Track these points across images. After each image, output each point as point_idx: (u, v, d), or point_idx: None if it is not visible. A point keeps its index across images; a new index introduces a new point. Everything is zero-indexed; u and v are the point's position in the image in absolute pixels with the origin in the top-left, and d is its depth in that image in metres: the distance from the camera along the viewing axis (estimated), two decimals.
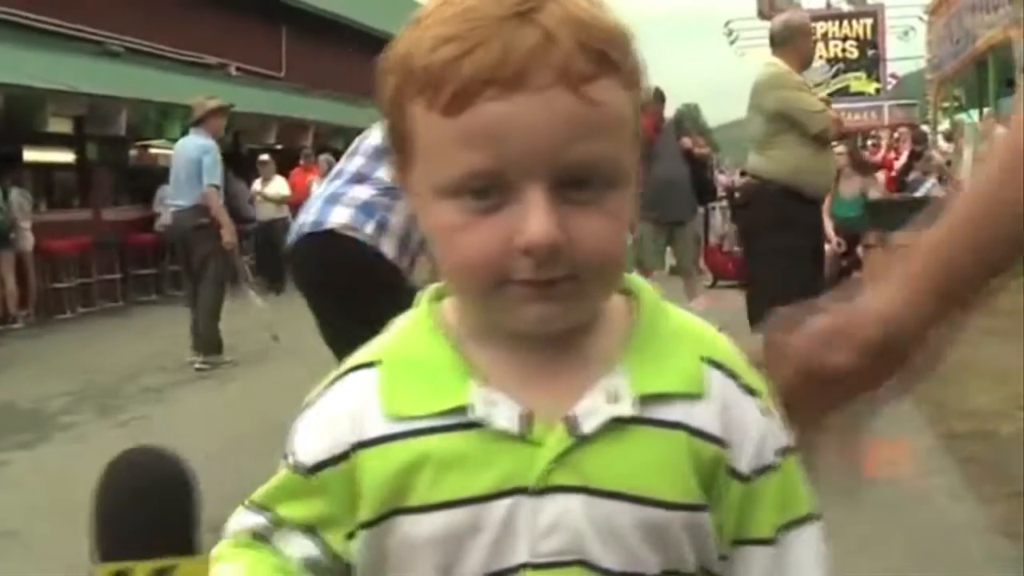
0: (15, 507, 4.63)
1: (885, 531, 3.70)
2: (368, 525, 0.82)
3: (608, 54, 0.74)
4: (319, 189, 4.44)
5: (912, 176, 12.00)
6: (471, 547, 0.78)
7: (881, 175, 11.25)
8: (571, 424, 0.78)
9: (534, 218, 0.73)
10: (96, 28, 14.62)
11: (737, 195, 7.19)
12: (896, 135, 15.83)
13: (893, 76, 25.18)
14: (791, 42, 5.45)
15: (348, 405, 0.83)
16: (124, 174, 15.30)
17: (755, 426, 0.83)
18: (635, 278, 0.88)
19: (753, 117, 5.54)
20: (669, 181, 8.31)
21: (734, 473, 0.82)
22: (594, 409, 0.78)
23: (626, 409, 0.79)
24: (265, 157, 14.30)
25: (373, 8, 22.24)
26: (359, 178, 4.21)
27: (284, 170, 14.56)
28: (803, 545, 0.84)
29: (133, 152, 16.12)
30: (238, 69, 18.06)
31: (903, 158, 13.55)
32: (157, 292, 14.13)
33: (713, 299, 8.92)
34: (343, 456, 0.82)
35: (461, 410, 0.78)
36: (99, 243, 12.77)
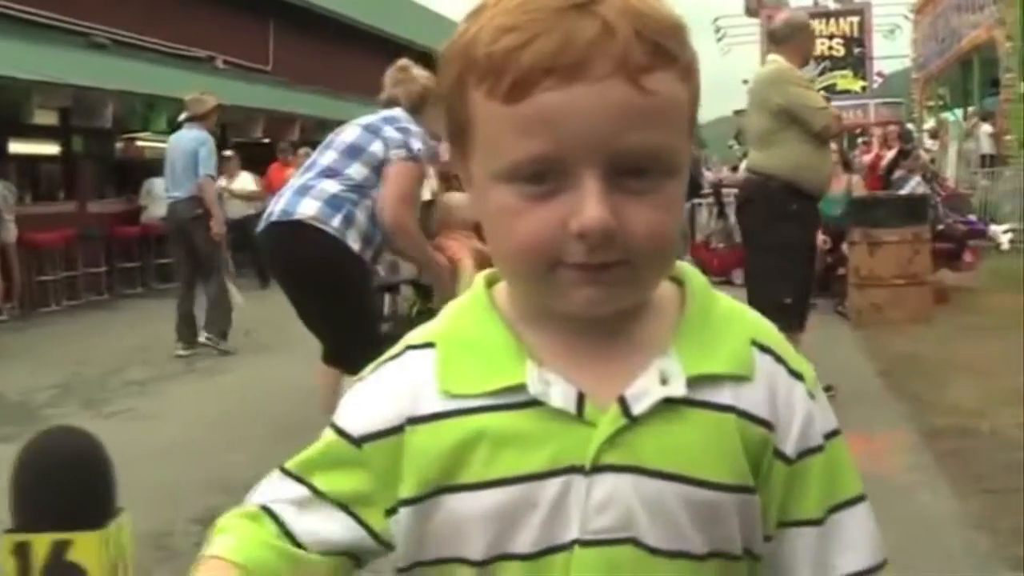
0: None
1: None
2: (412, 502, 0.83)
3: (665, 45, 0.76)
4: (292, 180, 4.50)
5: (897, 174, 12.06)
6: (524, 524, 0.80)
7: (857, 175, 11.31)
8: (624, 405, 0.80)
9: (589, 203, 0.75)
10: (82, 19, 14.56)
11: (736, 191, 7.23)
12: (884, 133, 15.89)
13: (879, 74, 25.30)
14: (792, 39, 5.50)
15: (404, 381, 0.85)
16: (110, 166, 15.25)
17: (801, 409, 0.85)
18: (685, 266, 0.90)
19: (754, 113, 5.54)
20: None
21: (780, 455, 0.84)
22: (646, 390, 0.80)
23: (678, 390, 0.80)
24: (229, 152, 13.63)
25: (361, 3, 22.21)
26: (330, 172, 4.28)
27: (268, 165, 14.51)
28: (853, 525, 0.86)
29: (119, 144, 16.07)
30: (225, 62, 18.01)
31: (889, 156, 13.62)
32: (143, 285, 14.08)
33: None
34: (395, 430, 0.83)
35: (517, 389, 0.80)
36: (84, 236, 12.72)
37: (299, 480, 0.87)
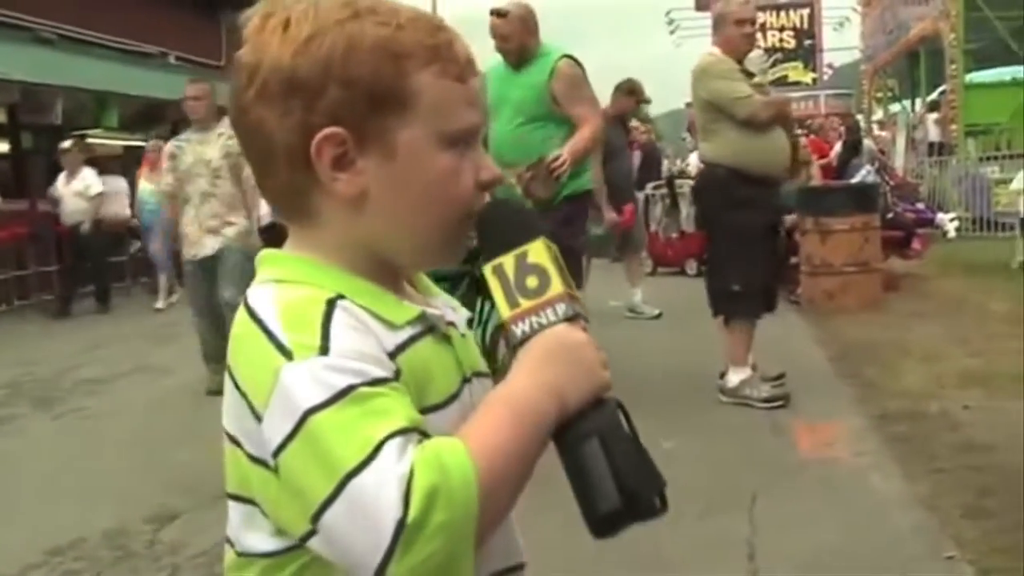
0: None
1: (818, 508, 3.81)
2: None
3: None
4: None
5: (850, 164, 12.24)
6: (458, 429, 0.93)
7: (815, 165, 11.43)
8: (455, 327, 1.05)
9: (489, 161, 1.04)
10: (29, 14, 14.30)
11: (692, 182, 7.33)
12: (824, 124, 16.11)
13: (829, 66, 25.61)
14: (719, 30, 5.53)
15: (361, 325, 0.93)
16: (60, 164, 15.00)
17: None
18: None
19: (695, 106, 5.67)
20: (625, 172, 8.71)
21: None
22: (453, 318, 1.06)
23: (464, 315, 1.11)
24: (66, 144, 11.79)
25: None
26: None
27: None
28: None
29: (68, 142, 15.80)
30: (177, 58, 17.78)
31: (836, 147, 13.79)
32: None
33: (652, 286, 9.03)
34: (394, 366, 0.94)
35: (419, 319, 1.00)
36: (35, 234, 12.52)
37: (412, 429, 0.87)
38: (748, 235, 5.30)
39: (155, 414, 6.13)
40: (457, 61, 0.99)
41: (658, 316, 8.59)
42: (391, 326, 0.96)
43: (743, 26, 5.47)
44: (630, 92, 8.68)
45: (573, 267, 5.12)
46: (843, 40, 26.06)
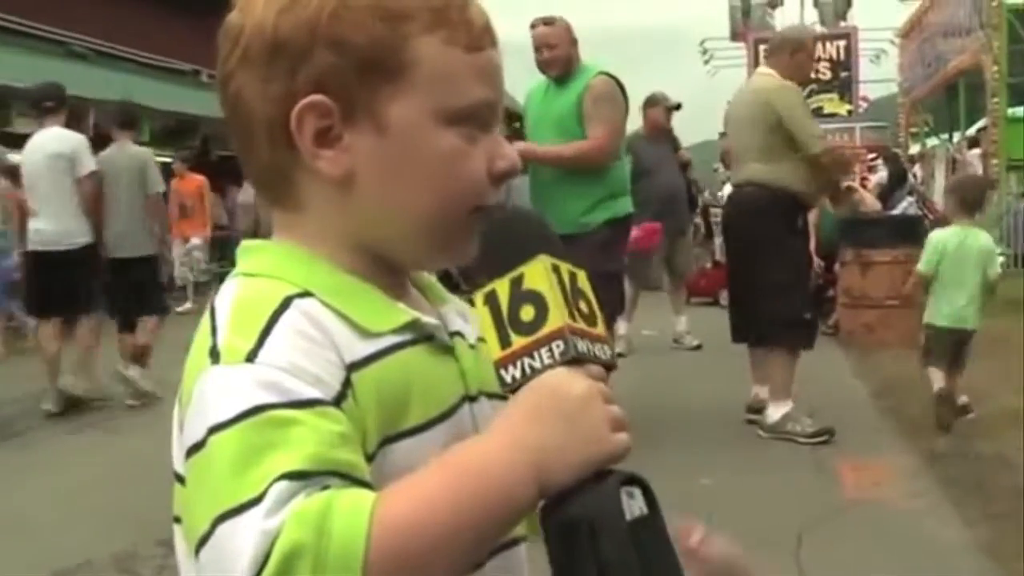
0: None
1: (870, 552, 3.58)
2: (370, 459, 0.76)
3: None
4: None
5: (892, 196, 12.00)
6: None
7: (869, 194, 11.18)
8: (464, 339, 0.90)
9: (507, 146, 0.88)
10: (63, 29, 14.39)
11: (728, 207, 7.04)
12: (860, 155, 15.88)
13: (864, 99, 25.38)
14: (789, 54, 5.37)
15: (318, 329, 0.78)
16: None
17: None
18: None
19: (755, 125, 5.29)
20: (672, 192, 8.30)
21: None
22: (461, 329, 0.90)
23: (476, 329, 0.87)
24: None
25: None
26: None
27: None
28: None
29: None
30: (210, 76, 17.83)
31: (877, 178, 13.55)
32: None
33: (690, 316, 8.81)
34: (346, 382, 0.77)
35: (413, 325, 0.84)
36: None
37: (325, 474, 0.70)
38: (806, 261, 5.28)
39: (166, 435, 5.96)
40: (469, 27, 0.85)
41: (698, 347, 8.33)
42: (365, 333, 0.80)
43: (812, 55, 5.40)
44: (651, 104, 8.44)
45: (612, 295, 4.93)
46: (880, 72, 25.87)
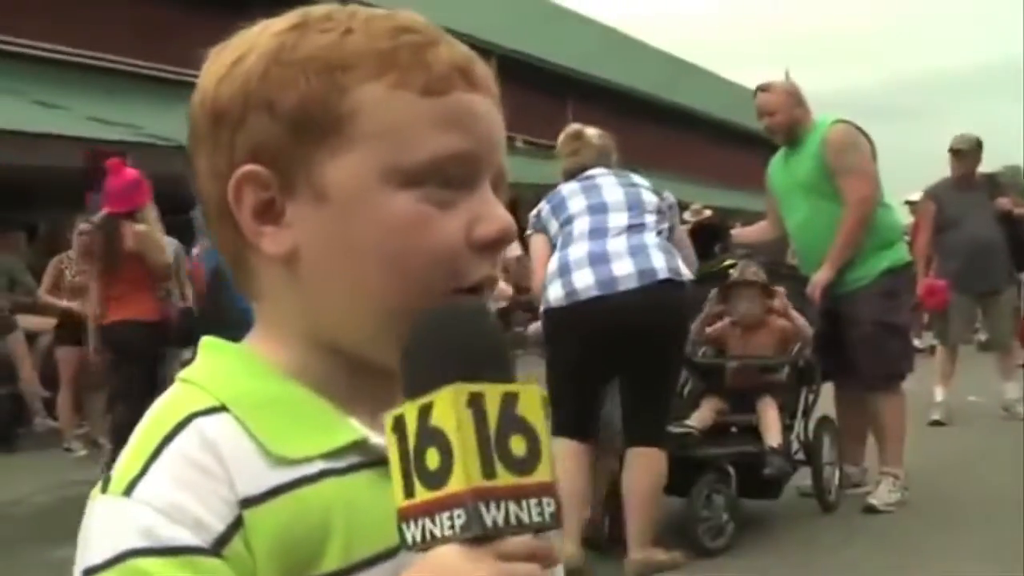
0: None
1: None
2: None
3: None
4: (583, 247, 4.24)
5: None
6: None
7: None
8: None
9: (495, 208, 0.72)
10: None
11: None
12: None
13: None
14: None
15: (213, 456, 0.68)
16: None
17: None
18: None
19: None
20: (982, 245, 7.37)
21: None
22: None
23: None
24: None
25: (656, 77, 22.56)
26: (640, 228, 4.25)
27: None
28: None
29: None
30: (525, 142, 17.35)
31: None
32: None
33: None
34: (237, 521, 0.67)
35: (357, 446, 0.71)
36: None
37: None
38: None
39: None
40: (426, 68, 0.71)
41: None
42: (280, 460, 0.69)
43: None
44: (955, 148, 7.33)
45: (895, 350, 4.69)
46: None
